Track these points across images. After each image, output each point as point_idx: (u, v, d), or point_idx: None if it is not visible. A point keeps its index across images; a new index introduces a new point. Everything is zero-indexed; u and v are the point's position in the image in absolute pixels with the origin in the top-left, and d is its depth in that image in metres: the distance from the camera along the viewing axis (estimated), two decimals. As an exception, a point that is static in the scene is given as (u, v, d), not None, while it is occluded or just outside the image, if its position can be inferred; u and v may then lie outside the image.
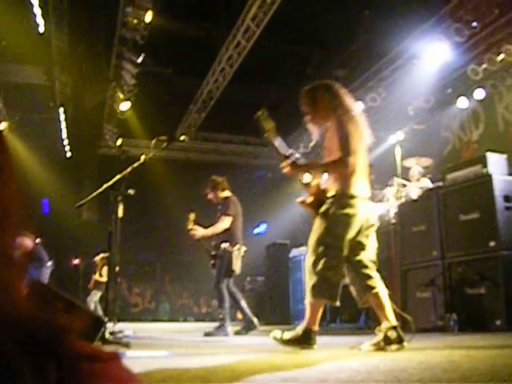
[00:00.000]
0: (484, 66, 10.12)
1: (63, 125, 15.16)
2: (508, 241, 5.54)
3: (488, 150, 6.23)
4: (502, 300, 5.34)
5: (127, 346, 4.42)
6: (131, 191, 6.23)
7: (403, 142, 10.32)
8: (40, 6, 10.31)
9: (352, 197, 3.98)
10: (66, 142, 16.00)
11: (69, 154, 16.28)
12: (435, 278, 6.21)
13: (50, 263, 10.04)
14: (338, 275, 3.94)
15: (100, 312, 11.77)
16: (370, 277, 3.96)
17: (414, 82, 11.38)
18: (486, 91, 10.63)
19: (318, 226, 4.04)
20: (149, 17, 10.38)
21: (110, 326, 5.78)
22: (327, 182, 4.15)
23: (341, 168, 3.99)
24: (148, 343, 5.45)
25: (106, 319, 4.57)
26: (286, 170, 4.14)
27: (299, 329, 3.98)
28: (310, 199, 4.21)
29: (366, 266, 4.00)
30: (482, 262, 5.70)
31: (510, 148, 9.27)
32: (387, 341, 3.76)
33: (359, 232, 4.01)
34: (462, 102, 11.18)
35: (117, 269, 7.17)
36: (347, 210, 3.95)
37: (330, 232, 3.94)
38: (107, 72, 12.84)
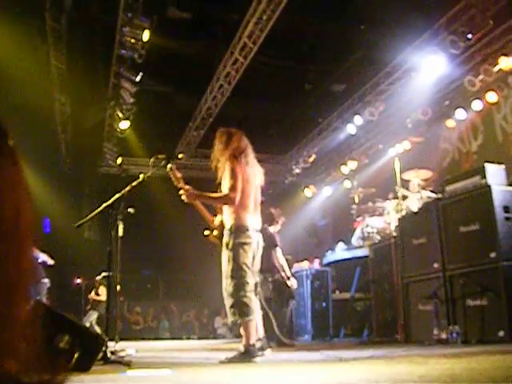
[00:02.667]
0: (480, 77, 10.16)
1: (63, 145, 15.21)
2: (509, 251, 5.52)
3: (487, 161, 6.24)
4: (505, 311, 5.32)
5: (129, 365, 4.40)
6: (131, 210, 6.24)
7: (402, 155, 10.33)
8: (38, 27, 10.39)
9: (246, 229, 4.79)
10: (66, 161, 16.06)
11: (69, 174, 16.31)
12: (437, 290, 6.20)
13: (46, 280, 9.99)
14: (246, 295, 4.67)
15: (98, 331, 11.69)
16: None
17: (411, 95, 11.43)
18: (484, 102, 10.66)
19: (224, 256, 4.82)
20: (146, 36, 10.43)
21: (112, 345, 5.76)
22: (224, 217, 4.97)
23: (225, 202, 4.87)
24: (150, 362, 5.42)
25: (106, 338, 4.55)
26: (184, 196, 4.94)
27: (241, 347, 4.67)
28: (215, 232, 5.12)
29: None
30: (483, 274, 5.69)
31: (510, 158, 9.29)
32: (250, 354, 4.57)
33: (254, 257, 4.85)
34: (460, 114, 11.21)
35: (118, 288, 7.16)
36: (242, 240, 4.75)
37: (235, 260, 4.72)
38: (106, 91, 12.89)
